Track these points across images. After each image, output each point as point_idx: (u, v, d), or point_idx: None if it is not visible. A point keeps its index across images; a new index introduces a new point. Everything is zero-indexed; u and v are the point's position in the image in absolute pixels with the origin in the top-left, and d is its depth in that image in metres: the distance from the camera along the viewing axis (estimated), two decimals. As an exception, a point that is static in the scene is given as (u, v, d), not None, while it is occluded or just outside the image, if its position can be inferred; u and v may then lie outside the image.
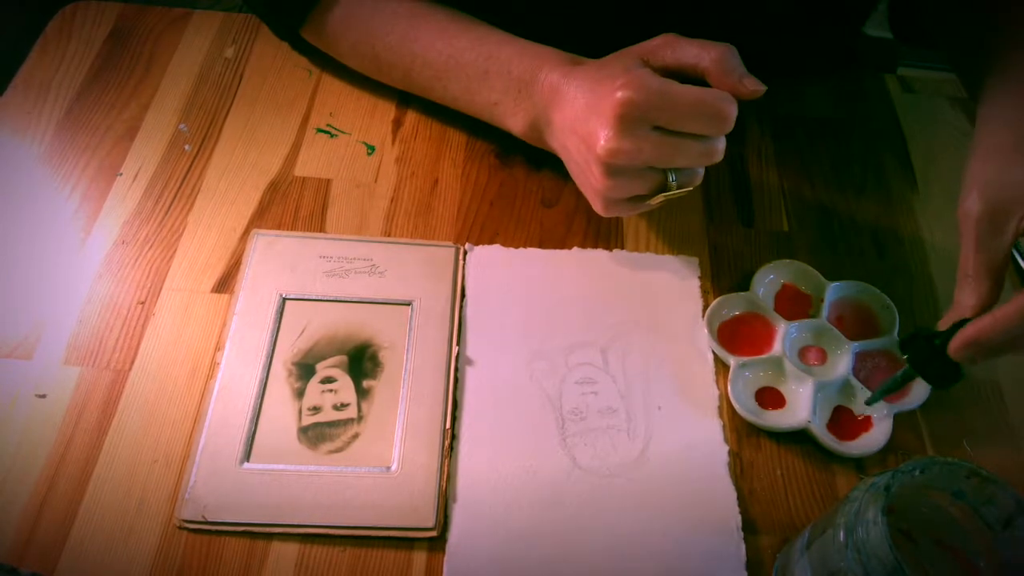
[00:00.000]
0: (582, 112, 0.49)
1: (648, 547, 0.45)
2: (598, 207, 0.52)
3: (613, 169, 0.48)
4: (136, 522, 0.44)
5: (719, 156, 0.48)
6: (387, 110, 0.64)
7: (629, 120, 0.46)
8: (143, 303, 0.52)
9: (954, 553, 0.38)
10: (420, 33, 0.57)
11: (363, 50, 0.60)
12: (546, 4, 0.60)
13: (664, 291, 0.55)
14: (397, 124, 0.63)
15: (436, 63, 0.57)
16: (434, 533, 0.45)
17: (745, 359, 0.51)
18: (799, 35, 0.66)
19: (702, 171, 0.51)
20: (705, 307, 0.54)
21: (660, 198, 0.50)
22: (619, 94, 0.45)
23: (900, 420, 0.50)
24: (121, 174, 0.58)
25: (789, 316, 0.53)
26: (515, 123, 0.56)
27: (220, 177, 0.59)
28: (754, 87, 0.47)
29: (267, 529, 0.44)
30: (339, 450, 0.47)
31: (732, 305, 0.54)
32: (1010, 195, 0.44)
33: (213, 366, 0.50)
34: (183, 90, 0.64)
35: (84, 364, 0.49)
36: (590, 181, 0.51)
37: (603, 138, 0.47)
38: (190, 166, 0.59)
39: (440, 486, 0.46)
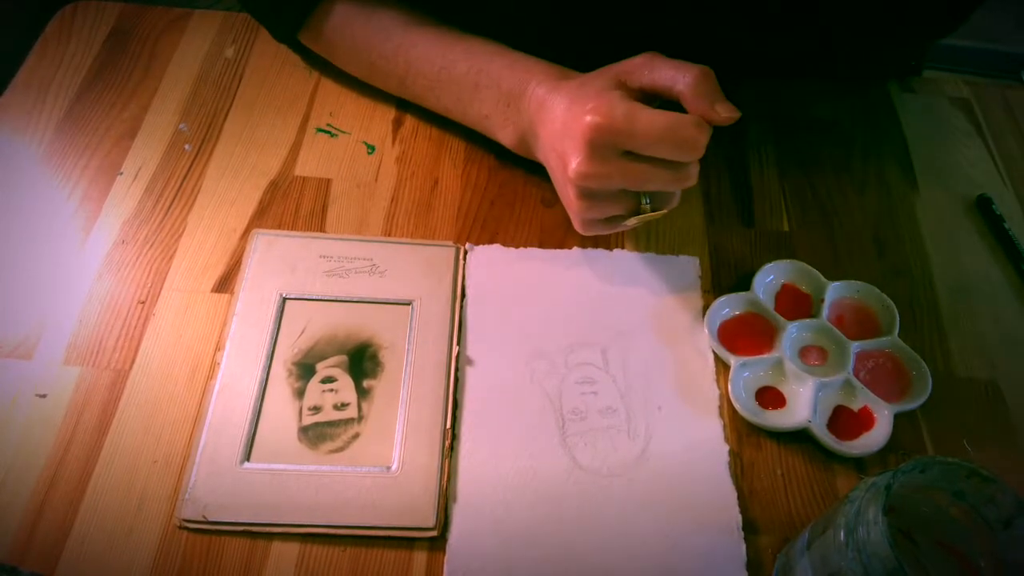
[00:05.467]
0: (559, 131, 0.49)
1: (648, 547, 0.45)
2: (576, 225, 0.53)
3: (585, 192, 0.49)
4: (136, 522, 0.44)
5: (692, 181, 0.48)
6: (387, 110, 0.64)
7: (597, 145, 0.46)
8: (143, 303, 0.52)
9: (954, 553, 0.38)
10: (415, 43, 0.57)
11: (359, 58, 0.61)
12: (546, 4, 0.60)
13: (664, 291, 0.55)
14: (397, 124, 0.63)
15: (429, 74, 0.57)
16: (434, 533, 0.45)
17: (745, 359, 0.52)
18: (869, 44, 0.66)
19: (678, 194, 0.51)
20: (705, 307, 0.54)
21: (634, 220, 0.50)
22: (587, 119, 0.46)
23: (900, 420, 0.50)
24: (121, 174, 0.58)
25: (789, 316, 0.53)
26: (504, 136, 0.56)
27: (220, 177, 0.59)
28: (728, 113, 0.46)
29: (267, 529, 0.44)
30: (339, 450, 0.47)
31: (732, 305, 0.54)
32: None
33: (213, 366, 0.50)
34: (183, 90, 0.64)
35: (84, 364, 0.49)
36: (567, 200, 0.51)
37: (574, 161, 0.47)
38: (190, 166, 0.59)
39: (440, 486, 0.46)
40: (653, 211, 0.50)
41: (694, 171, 0.48)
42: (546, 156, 0.53)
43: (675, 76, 0.47)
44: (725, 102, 0.46)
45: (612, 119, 0.45)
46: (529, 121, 0.53)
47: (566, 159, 0.48)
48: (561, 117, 0.49)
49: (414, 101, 0.61)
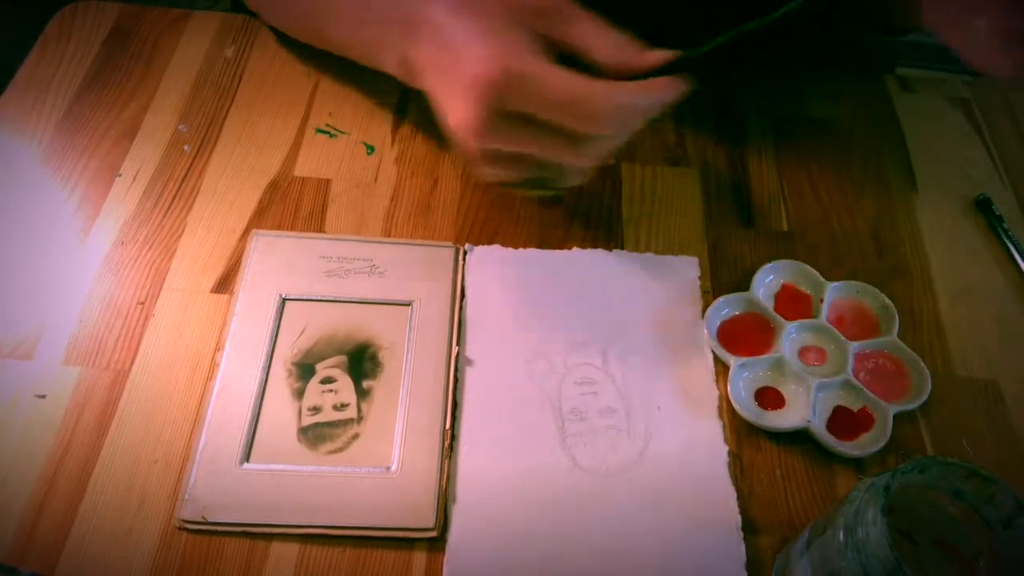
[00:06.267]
0: (449, 66, 0.43)
1: (648, 547, 0.45)
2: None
3: (471, 144, 0.42)
4: (136, 522, 0.44)
5: (590, 161, 0.42)
6: (387, 110, 0.64)
7: (486, 102, 0.40)
8: (143, 303, 0.52)
9: (954, 553, 0.38)
10: None
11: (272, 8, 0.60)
12: None
13: (664, 291, 0.55)
14: (397, 124, 0.63)
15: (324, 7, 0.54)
16: (434, 533, 0.45)
17: (745, 359, 0.51)
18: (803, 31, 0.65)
19: (582, 170, 0.45)
20: (705, 307, 0.54)
21: (524, 191, 0.45)
22: (479, 69, 0.39)
23: (900, 420, 0.50)
24: (121, 174, 0.58)
25: (789, 316, 0.53)
26: (389, 60, 0.50)
27: (220, 177, 0.59)
28: (655, 59, 0.40)
29: (267, 529, 0.44)
30: (339, 450, 0.47)
31: (732, 305, 0.54)
32: None
33: (213, 366, 0.50)
34: (182, 90, 0.64)
35: (84, 364, 0.49)
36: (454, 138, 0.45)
37: (458, 112, 0.41)
38: (189, 166, 0.59)
39: (440, 486, 0.46)
40: (547, 185, 0.44)
41: (596, 149, 0.41)
42: (432, 89, 0.46)
43: (590, 39, 0.40)
44: (655, 50, 0.40)
45: (507, 75, 0.38)
46: (417, 43, 0.46)
47: (450, 105, 0.42)
48: (454, 52, 0.42)
49: (324, 47, 0.59)
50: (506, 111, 0.40)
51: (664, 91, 0.39)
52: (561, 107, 0.39)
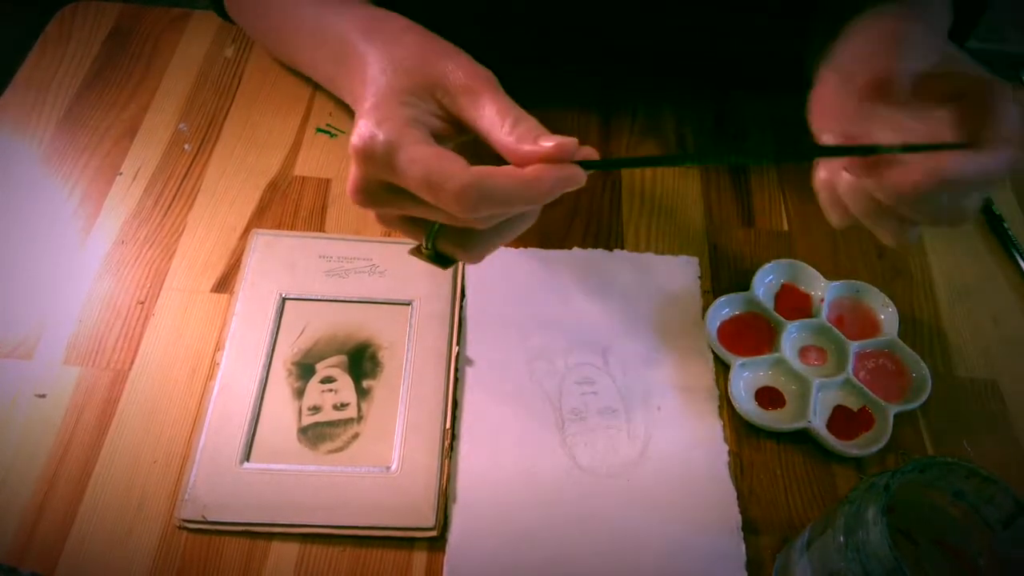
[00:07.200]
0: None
1: (648, 547, 0.45)
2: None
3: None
4: (136, 522, 0.44)
5: (480, 225, 0.38)
6: (387, 110, 0.64)
7: (361, 172, 0.39)
8: (143, 303, 0.52)
9: (954, 553, 0.38)
10: (285, 6, 0.54)
11: (257, 24, 0.60)
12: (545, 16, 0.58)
13: (664, 291, 0.55)
14: (397, 124, 0.63)
15: (289, 29, 0.54)
16: (434, 533, 0.45)
17: (745, 359, 0.51)
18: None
19: (481, 240, 0.42)
20: (705, 307, 0.54)
21: (416, 257, 0.43)
22: (352, 138, 0.38)
23: (900, 420, 0.50)
24: (121, 174, 0.58)
25: (789, 316, 0.53)
26: (350, 101, 0.47)
27: (220, 177, 0.59)
28: (552, 143, 0.35)
29: (267, 529, 0.44)
30: (339, 450, 0.47)
31: (732, 305, 0.54)
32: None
33: (213, 366, 0.50)
34: (183, 90, 0.64)
35: (84, 364, 0.49)
36: None
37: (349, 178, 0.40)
38: (190, 166, 0.59)
39: (440, 486, 0.46)
40: (440, 256, 0.41)
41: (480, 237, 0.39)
42: None
43: (494, 123, 0.37)
44: (551, 134, 0.36)
45: (372, 149, 0.37)
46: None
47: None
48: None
49: (294, 67, 0.59)
50: (382, 180, 0.38)
51: (552, 180, 0.35)
52: (418, 185, 0.36)
